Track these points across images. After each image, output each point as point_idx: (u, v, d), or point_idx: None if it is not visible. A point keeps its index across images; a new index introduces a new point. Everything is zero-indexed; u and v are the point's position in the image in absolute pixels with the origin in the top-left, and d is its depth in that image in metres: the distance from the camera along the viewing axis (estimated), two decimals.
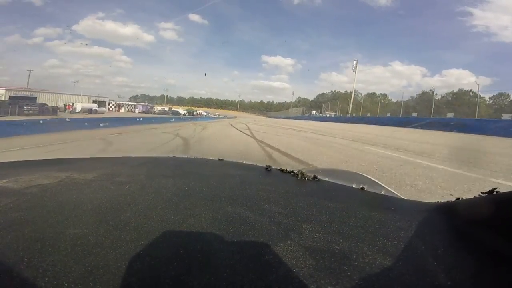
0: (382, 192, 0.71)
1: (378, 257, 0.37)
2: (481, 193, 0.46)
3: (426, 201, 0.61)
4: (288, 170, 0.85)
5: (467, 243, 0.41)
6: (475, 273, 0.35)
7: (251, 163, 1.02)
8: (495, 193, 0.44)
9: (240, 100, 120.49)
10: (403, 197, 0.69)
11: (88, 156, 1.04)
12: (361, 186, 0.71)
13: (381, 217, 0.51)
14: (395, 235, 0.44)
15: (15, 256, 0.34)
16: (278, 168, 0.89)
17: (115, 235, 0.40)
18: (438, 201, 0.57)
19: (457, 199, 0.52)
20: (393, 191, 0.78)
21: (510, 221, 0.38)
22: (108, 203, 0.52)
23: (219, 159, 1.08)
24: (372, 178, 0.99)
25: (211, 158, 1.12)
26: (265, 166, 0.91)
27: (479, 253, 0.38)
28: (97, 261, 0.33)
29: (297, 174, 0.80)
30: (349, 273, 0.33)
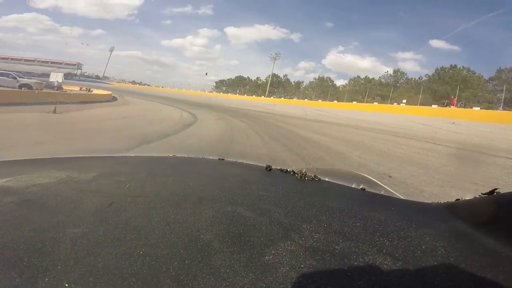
0: (382, 192, 0.71)
1: (378, 257, 0.37)
2: (481, 193, 0.46)
3: (426, 201, 0.61)
4: (288, 170, 0.86)
5: (467, 243, 0.41)
6: (475, 273, 0.35)
7: (252, 163, 1.02)
8: (495, 193, 0.45)
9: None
10: (403, 197, 0.69)
11: (89, 155, 1.04)
12: (361, 187, 0.71)
13: (381, 217, 0.51)
14: (395, 235, 0.44)
15: (15, 256, 0.34)
16: (278, 168, 0.89)
17: (115, 234, 0.40)
18: (438, 201, 0.57)
19: (457, 199, 0.53)
20: (393, 191, 0.78)
21: (510, 221, 0.38)
22: (108, 203, 0.52)
23: (219, 159, 1.08)
24: (372, 179, 0.99)
25: (211, 157, 1.12)
26: (265, 166, 0.91)
27: (479, 253, 0.38)
28: (97, 261, 0.33)
29: (297, 174, 0.80)
30: (349, 273, 0.33)
